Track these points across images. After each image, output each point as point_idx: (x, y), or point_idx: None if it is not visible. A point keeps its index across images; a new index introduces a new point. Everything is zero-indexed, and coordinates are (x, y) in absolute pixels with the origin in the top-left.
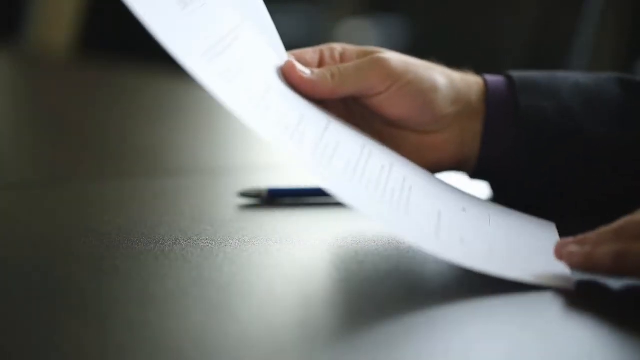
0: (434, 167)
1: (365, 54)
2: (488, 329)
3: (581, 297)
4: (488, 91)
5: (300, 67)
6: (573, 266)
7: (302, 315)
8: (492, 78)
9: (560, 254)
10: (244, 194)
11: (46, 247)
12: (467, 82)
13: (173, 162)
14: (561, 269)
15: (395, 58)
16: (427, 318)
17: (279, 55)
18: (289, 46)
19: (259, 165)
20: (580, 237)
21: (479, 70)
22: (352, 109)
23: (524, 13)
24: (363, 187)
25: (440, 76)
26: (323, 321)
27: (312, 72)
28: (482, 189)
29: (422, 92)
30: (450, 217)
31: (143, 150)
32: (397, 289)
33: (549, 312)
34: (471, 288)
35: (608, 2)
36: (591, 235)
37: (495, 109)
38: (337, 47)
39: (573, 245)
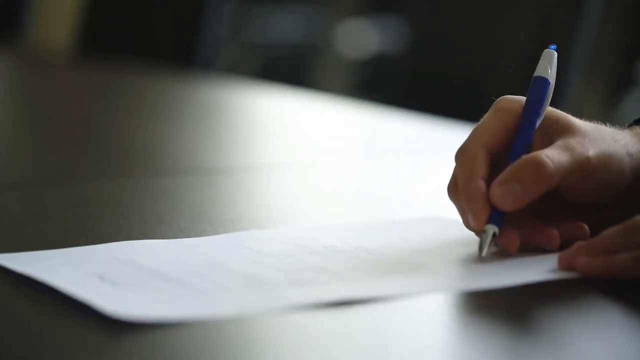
0: None
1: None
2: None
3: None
4: None
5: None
6: (590, 275)
7: (302, 315)
8: None
9: (570, 264)
10: None
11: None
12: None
13: (173, 162)
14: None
15: (594, 155)
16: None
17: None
18: (288, 46)
19: (259, 165)
20: (583, 244)
21: (478, 69)
22: None
23: (524, 13)
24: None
25: (625, 161)
26: (324, 319)
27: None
28: None
29: (610, 184)
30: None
31: (143, 150)
32: None
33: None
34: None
35: (608, 2)
36: (599, 241)
37: None
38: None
39: (583, 255)
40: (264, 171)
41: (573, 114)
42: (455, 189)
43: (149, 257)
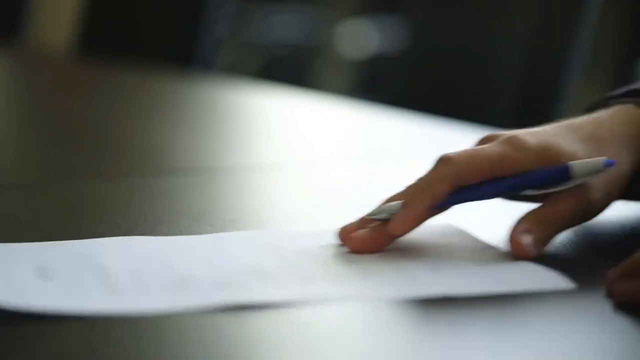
0: None
1: None
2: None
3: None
4: None
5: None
6: (625, 300)
7: (305, 314)
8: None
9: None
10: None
11: None
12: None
13: (173, 162)
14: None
15: (597, 188)
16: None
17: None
18: (288, 46)
19: (259, 165)
20: (617, 270)
21: (478, 69)
22: None
23: (524, 13)
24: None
25: (624, 168)
26: (325, 319)
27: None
28: None
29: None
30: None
31: (143, 150)
32: None
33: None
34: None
35: (607, 2)
36: (626, 266)
37: None
38: None
39: (622, 282)
40: (264, 171)
41: (573, 114)
42: None
43: (108, 254)
